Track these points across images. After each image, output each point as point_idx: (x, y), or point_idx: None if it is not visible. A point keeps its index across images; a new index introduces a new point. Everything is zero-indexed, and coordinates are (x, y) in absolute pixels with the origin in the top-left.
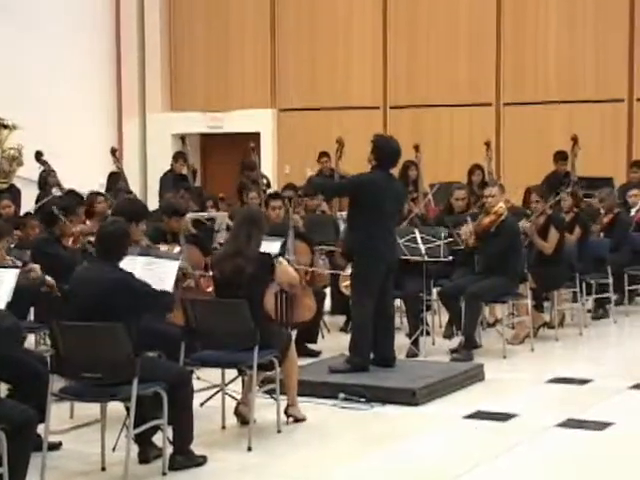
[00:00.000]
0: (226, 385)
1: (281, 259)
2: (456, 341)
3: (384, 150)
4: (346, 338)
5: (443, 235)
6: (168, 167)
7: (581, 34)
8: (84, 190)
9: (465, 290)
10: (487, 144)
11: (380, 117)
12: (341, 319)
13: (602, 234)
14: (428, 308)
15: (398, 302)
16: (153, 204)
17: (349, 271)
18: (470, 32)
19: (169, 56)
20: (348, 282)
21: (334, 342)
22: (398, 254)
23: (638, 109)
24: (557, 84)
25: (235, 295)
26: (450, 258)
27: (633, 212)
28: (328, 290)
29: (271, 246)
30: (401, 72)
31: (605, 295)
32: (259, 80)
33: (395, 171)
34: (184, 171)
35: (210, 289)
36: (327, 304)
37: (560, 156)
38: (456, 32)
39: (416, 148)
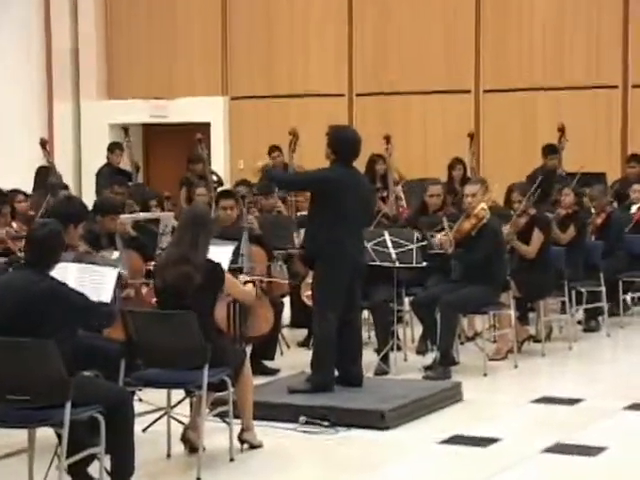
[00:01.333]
0: (172, 408)
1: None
2: (431, 357)
3: (340, 141)
4: (307, 354)
5: (416, 238)
6: (105, 161)
7: (570, 14)
8: (9, 187)
9: (440, 299)
10: (471, 136)
11: (345, 105)
12: (302, 333)
13: (593, 237)
14: (399, 320)
15: (366, 313)
16: (89, 203)
17: (311, 279)
18: (445, 11)
19: (106, 37)
20: (310, 291)
21: (294, 359)
22: (365, 259)
23: (634, 96)
24: (543, 68)
25: (180, 306)
26: (424, 264)
27: (634, 209)
28: (287, 300)
29: (222, 251)
30: (368, 56)
31: (597, 305)
32: (209, 65)
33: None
34: (127, 165)
35: (154, 300)
36: (286, 316)
37: (550, 150)
38: (430, 12)
39: (386, 139)
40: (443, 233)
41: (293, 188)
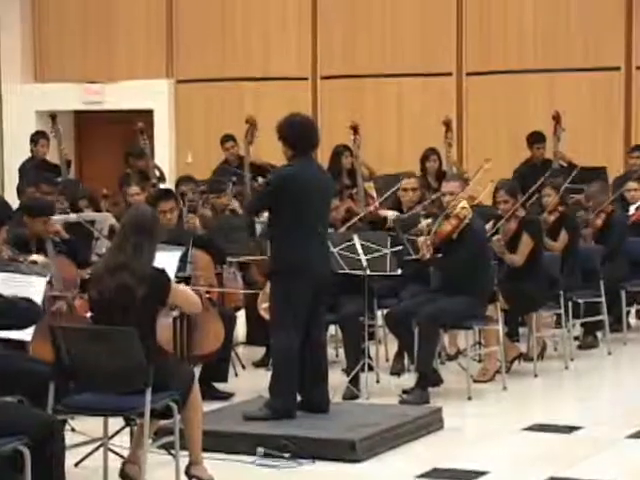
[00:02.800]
0: (110, 438)
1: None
2: (408, 378)
3: (293, 131)
4: (266, 375)
5: (390, 242)
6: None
7: None
8: None
9: (418, 312)
10: (446, 124)
11: (308, 90)
12: (259, 351)
13: (592, 241)
14: (371, 336)
15: (332, 329)
16: (12, 201)
17: (268, 289)
18: None
19: (32, 13)
20: (268, 303)
21: (250, 381)
22: (332, 267)
23: (639, 79)
24: (534, 48)
25: (119, 321)
26: (399, 271)
27: (632, 210)
28: (242, 313)
29: (168, 258)
30: (335, 33)
31: (597, 318)
32: (151, 43)
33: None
34: (57, 158)
35: (89, 314)
36: (241, 331)
37: (535, 138)
38: None
39: (354, 129)
40: (422, 237)
41: (259, 208)
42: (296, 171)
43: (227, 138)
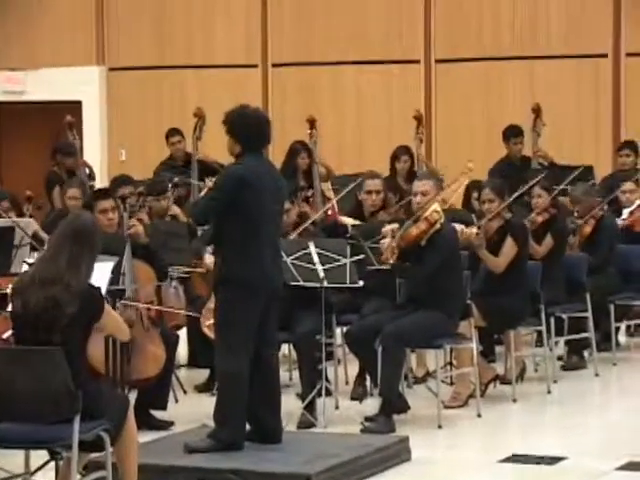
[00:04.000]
0: (32, 474)
1: None
2: (370, 404)
3: (243, 124)
4: (210, 402)
5: (350, 250)
6: None
7: None
8: None
9: (382, 330)
10: (418, 119)
11: (258, 79)
12: (203, 374)
13: (578, 249)
14: (329, 357)
15: (286, 348)
16: None
17: (213, 304)
18: None
19: None
20: (213, 320)
21: (192, 408)
22: (284, 278)
23: (628, 67)
24: (511, 32)
25: (44, 340)
26: (360, 283)
27: (625, 213)
28: (184, 332)
29: (99, 269)
30: (289, 17)
31: (583, 335)
32: (79, 26)
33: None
34: None
35: (7, 334)
36: (182, 352)
37: (512, 132)
38: None
39: (310, 123)
40: (386, 239)
41: (212, 215)
42: (247, 171)
43: (174, 132)
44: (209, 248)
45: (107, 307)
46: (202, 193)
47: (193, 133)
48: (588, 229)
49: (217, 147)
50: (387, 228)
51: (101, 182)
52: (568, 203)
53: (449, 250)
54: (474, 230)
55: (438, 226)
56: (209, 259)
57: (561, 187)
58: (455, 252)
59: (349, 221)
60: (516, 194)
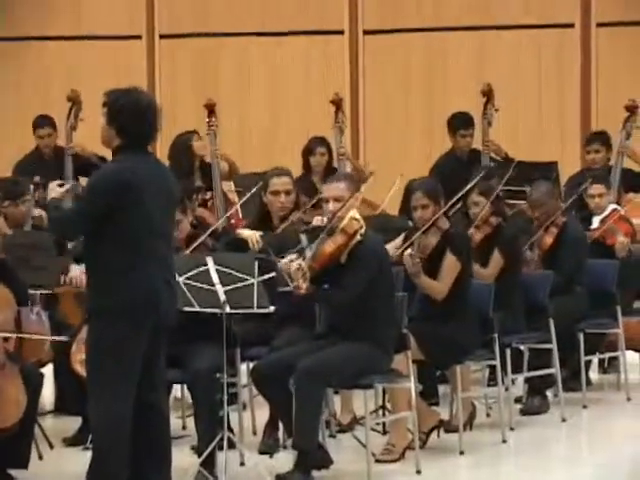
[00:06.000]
0: None
1: None
2: (284, 457)
3: (121, 112)
4: (83, 457)
5: (259, 267)
6: None
7: None
8: None
9: (297, 366)
10: (336, 103)
11: (142, 53)
12: (73, 422)
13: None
14: (233, 400)
15: (178, 390)
16: None
17: (87, 334)
18: None
19: None
20: (86, 354)
21: (60, 466)
22: (177, 303)
23: (600, 40)
24: None
25: None
26: (272, 309)
27: (596, 222)
28: (49, 369)
29: None
30: None
31: (546, 372)
32: None
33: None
34: None
35: None
36: (47, 395)
37: (460, 122)
38: None
39: (209, 109)
40: (296, 259)
41: (86, 227)
42: (128, 171)
43: (43, 121)
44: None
45: None
46: (52, 193)
47: (66, 121)
48: (549, 239)
49: (96, 135)
50: (304, 241)
51: None
52: (528, 209)
53: (377, 266)
54: (407, 251)
55: (359, 237)
56: (76, 271)
57: (497, 189)
58: (385, 268)
59: (248, 234)
60: (454, 199)
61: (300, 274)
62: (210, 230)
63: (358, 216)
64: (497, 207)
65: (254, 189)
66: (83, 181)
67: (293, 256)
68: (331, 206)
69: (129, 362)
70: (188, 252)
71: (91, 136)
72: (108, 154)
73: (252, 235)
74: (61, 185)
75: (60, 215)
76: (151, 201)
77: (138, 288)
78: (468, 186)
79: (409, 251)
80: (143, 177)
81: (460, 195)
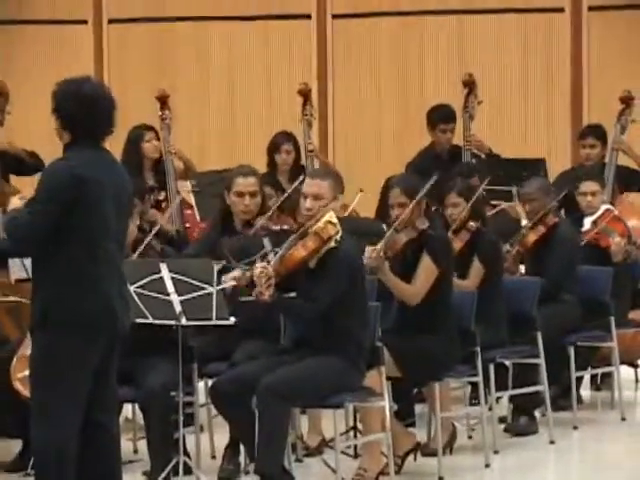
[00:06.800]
0: None
1: None
2: None
3: (73, 105)
4: None
5: (218, 274)
6: None
7: None
8: None
9: (260, 383)
10: (304, 94)
11: (88, 39)
12: (12, 447)
13: (524, 268)
14: (189, 421)
15: (130, 409)
16: None
17: (29, 350)
18: None
19: None
20: (27, 372)
21: None
22: (130, 315)
23: (593, 25)
24: None
25: None
26: (232, 320)
27: (588, 224)
28: None
29: None
30: None
31: (533, 389)
32: None
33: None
34: None
35: None
36: None
37: (440, 116)
38: None
39: (161, 100)
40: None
41: (41, 237)
42: (79, 169)
43: None
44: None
45: None
46: (12, 206)
47: None
48: (533, 237)
49: (30, 132)
50: (267, 246)
51: None
52: (513, 209)
53: (350, 275)
54: (369, 247)
55: (333, 244)
56: (16, 273)
57: (479, 190)
58: (359, 279)
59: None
60: (418, 196)
61: (264, 279)
62: (155, 229)
63: (335, 220)
64: (476, 209)
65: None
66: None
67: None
68: (308, 203)
69: (78, 380)
70: (135, 256)
71: (19, 127)
72: (39, 150)
73: None
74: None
75: (18, 228)
76: (106, 201)
77: (90, 298)
78: (428, 184)
79: (370, 247)
80: (97, 175)
81: (423, 192)
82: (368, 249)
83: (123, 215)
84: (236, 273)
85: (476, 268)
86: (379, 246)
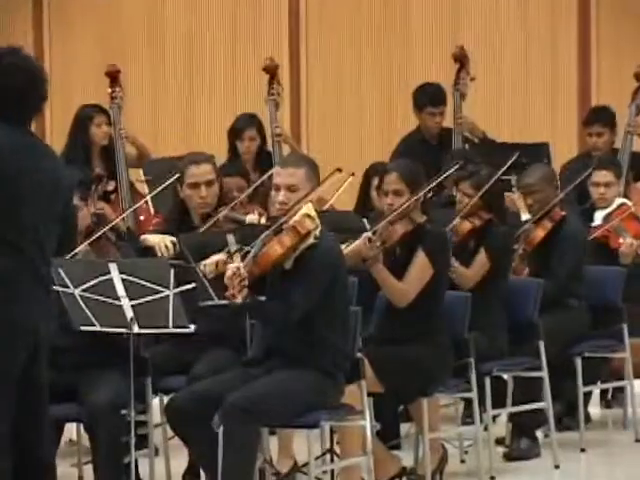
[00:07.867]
0: None
1: None
2: None
3: None
4: None
5: (176, 276)
6: None
7: None
8: None
9: (225, 400)
10: (270, 70)
11: (27, 11)
12: None
13: (527, 269)
14: (142, 442)
15: (74, 430)
16: None
17: None
18: None
19: None
20: None
21: None
22: (71, 321)
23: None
24: None
25: None
26: (192, 328)
27: (599, 219)
28: None
29: None
30: None
31: (535, 406)
32: None
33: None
34: None
35: None
36: None
37: (428, 97)
38: None
39: (111, 76)
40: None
41: None
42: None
43: None
44: None
45: None
46: None
47: None
48: (540, 233)
49: None
50: (232, 244)
51: None
52: (513, 202)
53: (331, 274)
54: (367, 235)
55: (312, 240)
56: None
57: (492, 179)
58: (340, 278)
59: (155, 241)
60: (426, 188)
61: (237, 280)
62: (113, 223)
63: (313, 213)
64: (491, 202)
65: (169, 180)
66: None
67: (217, 257)
68: (282, 196)
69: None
70: (85, 245)
71: None
72: None
73: (160, 241)
74: None
75: None
76: (29, 193)
77: (7, 304)
78: (446, 174)
79: (368, 234)
80: (19, 162)
81: (431, 186)
82: (363, 238)
83: (52, 207)
84: (220, 256)
85: (481, 260)
86: (375, 236)
